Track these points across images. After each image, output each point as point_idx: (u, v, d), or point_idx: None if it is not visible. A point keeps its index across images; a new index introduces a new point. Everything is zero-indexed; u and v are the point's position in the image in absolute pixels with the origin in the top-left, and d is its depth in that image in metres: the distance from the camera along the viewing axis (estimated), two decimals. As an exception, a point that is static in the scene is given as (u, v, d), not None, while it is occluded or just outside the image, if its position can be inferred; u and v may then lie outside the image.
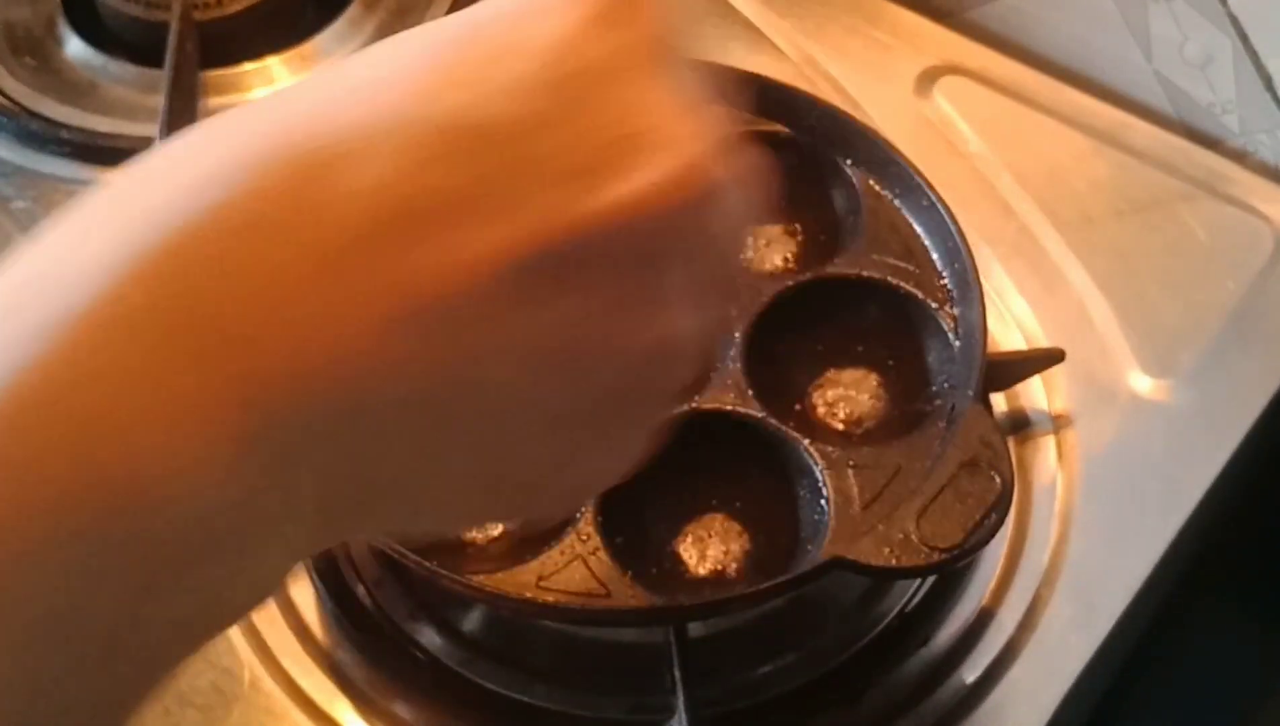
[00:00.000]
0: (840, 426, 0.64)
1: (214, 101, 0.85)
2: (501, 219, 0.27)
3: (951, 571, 0.64)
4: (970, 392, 0.60)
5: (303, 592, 0.65)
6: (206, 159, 0.27)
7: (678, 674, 0.59)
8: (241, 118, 0.28)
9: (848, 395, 0.65)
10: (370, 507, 0.29)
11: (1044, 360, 0.69)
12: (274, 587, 0.29)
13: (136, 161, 0.28)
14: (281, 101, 0.29)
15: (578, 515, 0.59)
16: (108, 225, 0.26)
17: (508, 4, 0.29)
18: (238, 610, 0.28)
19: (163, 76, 0.83)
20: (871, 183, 0.70)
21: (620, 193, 0.27)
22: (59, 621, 0.25)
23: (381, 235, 0.26)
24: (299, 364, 0.26)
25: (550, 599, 0.56)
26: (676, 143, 0.28)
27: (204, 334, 0.25)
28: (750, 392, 0.62)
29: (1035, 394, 0.71)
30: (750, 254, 0.69)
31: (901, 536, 0.55)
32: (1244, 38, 0.80)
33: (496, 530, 0.61)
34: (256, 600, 0.29)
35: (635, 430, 0.33)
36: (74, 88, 0.87)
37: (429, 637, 0.64)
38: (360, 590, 0.65)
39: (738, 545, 0.61)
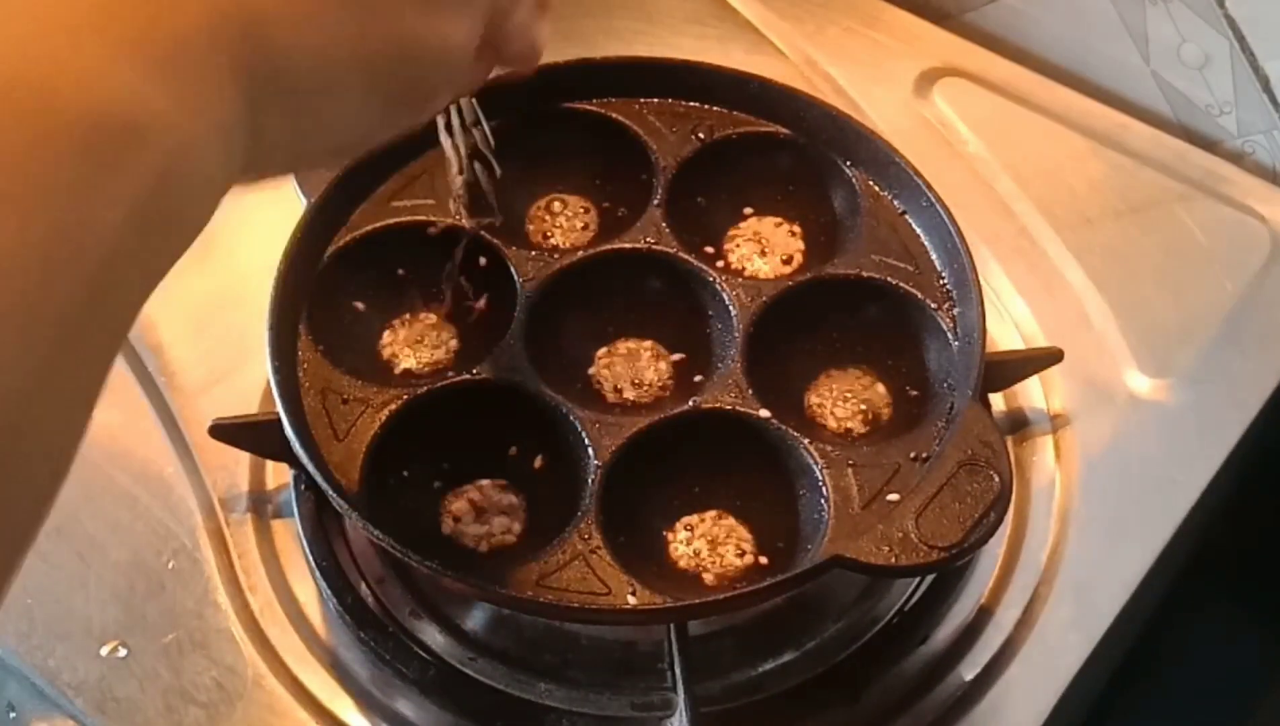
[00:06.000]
0: (839, 425, 0.64)
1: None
2: None
3: (950, 570, 0.65)
4: (969, 392, 0.60)
5: (306, 591, 0.66)
6: None
7: (678, 671, 0.59)
8: None
9: (847, 394, 0.65)
10: (294, 107, 0.35)
11: (1042, 360, 0.70)
12: (204, 210, 0.33)
13: None
14: None
15: (579, 514, 0.59)
16: None
17: None
18: (174, 232, 0.32)
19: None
20: (871, 183, 0.70)
21: None
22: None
23: None
24: None
25: (551, 597, 0.57)
26: None
27: None
28: (750, 392, 0.63)
29: (1033, 393, 0.71)
30: (750, 255, 0.70)
31: (901, 535, 0.55)
32: (1241, 40, 0.81)
33: (500, 531, 0.62)
34: (189, 223, 0.33)
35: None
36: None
37: (431, 636, 0.64)
38: (363, 588, 0.65)
39: (737, 543, 0.61)
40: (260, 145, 0.34)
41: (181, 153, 0.31)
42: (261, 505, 0.68)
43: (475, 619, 0.65)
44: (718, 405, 0.62)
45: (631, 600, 0.57)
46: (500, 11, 0.44)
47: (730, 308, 0.66)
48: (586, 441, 0.61)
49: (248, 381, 0.71)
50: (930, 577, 0.65)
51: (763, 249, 0.70)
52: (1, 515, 0.29)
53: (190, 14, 0.32)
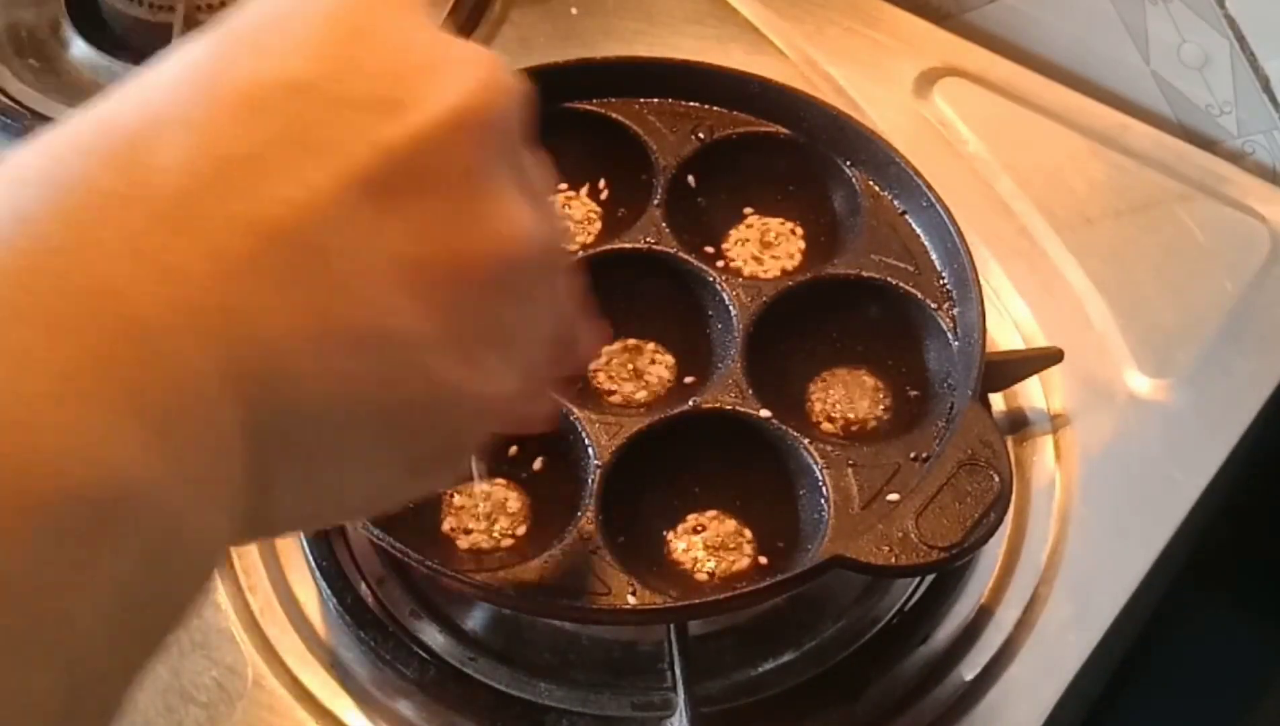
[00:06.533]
0: (840, 425, 0.64)
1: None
2: (328, 150, 0.29)
3: (950, 570, 0.65)
4: (969, 392, 0.60)
5: (306, 591, 0.66)
6: (24, 167, 0.28)
7: (678, 672, 0.59)
8: (53, 131, 0.29)
9: (847, 394, 0.65)
10: (304, 467, 0.30)
11: (1042, 360, 0.70)
12: (199, 581, 0.29)
13: None
14: (86, 110, 0.29)
15: (579, 514, 0.59)
16: None
17: None
18: (163, 610, 0.28)
19: (166, 78, 0.84)
20: (871, 183, 0.70)
21: (432, 112, 0.30)
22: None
23: (209, 186, 0.28)
24: (160, 331, 0.26)
25: (551, 597, 0.57)
26: (464, 67, 0.32)
27: (63, 298, 0.26)
28: (750, 392, 0.63)
29: (1033, 393, 0.71)
30: (750, 255, 0.70)
31: (901, 535, 0.55)
32: (1241, 39, 0.81)
33: (500, 531, 0.62)
34: (180, 599, 0.28)
35: (528, 339, 0.35)
36: (78, 89, 0.87)
37: (431, 636, 0.64)
38: (363, 588, 0.65)
39: (737, 543, 0.61)
40: (265, 508, 0.29)
41: (177, 524, 0.26)
42: (261, 505, 0.68)
43: (475, 619, 0.65)
44: (718, 405, 0.62)
45: (631, 600, 0.57)
46: (540, 363, 0.37)
47: (730, 308, 0.66)
48: (586, 441, 0.61)
49: (248, 381, 0.71)
50: (930, 577, 0.65)
51: (763, 249, 0.70)
52: None
53: (196, 363, 0.27)
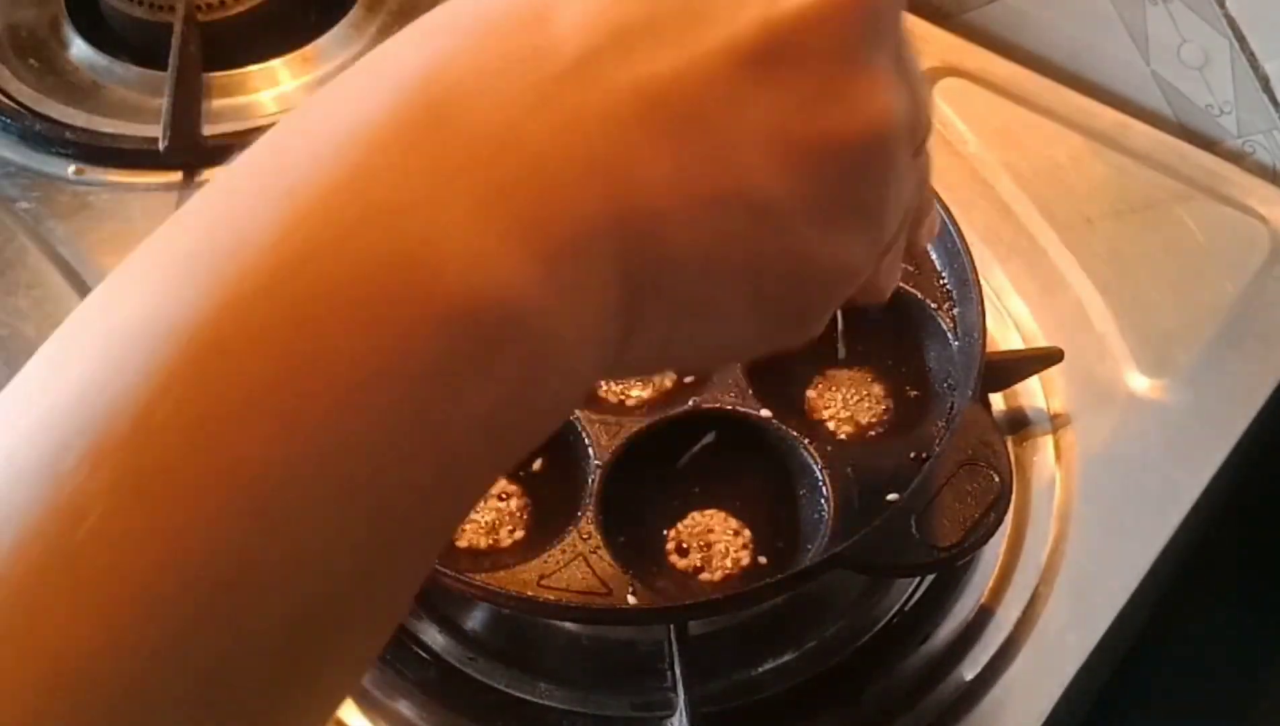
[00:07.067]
0: (840, 425, 0.64)
1: (217, 103, 0.86)
2: (716, 22, 0.31)
3: (950, 570, 0.65)
4: (969, 392, 0.60)
5: (306, 591, 0.66)
6: (436, 23, 0.31)
7: (678, 672, 0.59)
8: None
9: (847, 394, 0.65)
10: (671, 313, 0.32)
11: (1042, 360, 0.70)
12: (564, 410, 0.31)
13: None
14: None
15: (579, 514, 0.59)
16: (374, 77, 0.30)
17: None
18: (529, 429, 0.30)
19: (166, 78, 0.84)
20: (871, 184, 0.70)
21: None
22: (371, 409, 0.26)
23: (605, 50, 0.30)
24: (556, 174, 0.29)
25: (551, 597, 0.57)
26: None
27: (470, 137, 0.29)
28: (750, 392, 0.63)
29: (1034, 393, 0.71)
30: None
31: (901, 535, 0.55)
32: (1241, 39, 0.81)
33: (500, 531, 0.62)
34: (545, 422, 0.31)
35: (886, 214, 0.36)
36: (78, 89, 0.87)
37: (431, 635, 0.64)
38: (363, 588, 0.65)
39: (738, 543, 0.61)
40: (630, 347, 0.32)
41: (556, 349, 0.29)
42: (262, 505, 0.68)
43: (475, 619, 0.65)
44: (718, 405, 0.62)
45: (631, 600, 0.57)
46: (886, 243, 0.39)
47: (730, 308, 0.66)
48: (586, 441, 0.61)
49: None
50: (930, 577, 0.65)
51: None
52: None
53: (588, 206, 0.29)
